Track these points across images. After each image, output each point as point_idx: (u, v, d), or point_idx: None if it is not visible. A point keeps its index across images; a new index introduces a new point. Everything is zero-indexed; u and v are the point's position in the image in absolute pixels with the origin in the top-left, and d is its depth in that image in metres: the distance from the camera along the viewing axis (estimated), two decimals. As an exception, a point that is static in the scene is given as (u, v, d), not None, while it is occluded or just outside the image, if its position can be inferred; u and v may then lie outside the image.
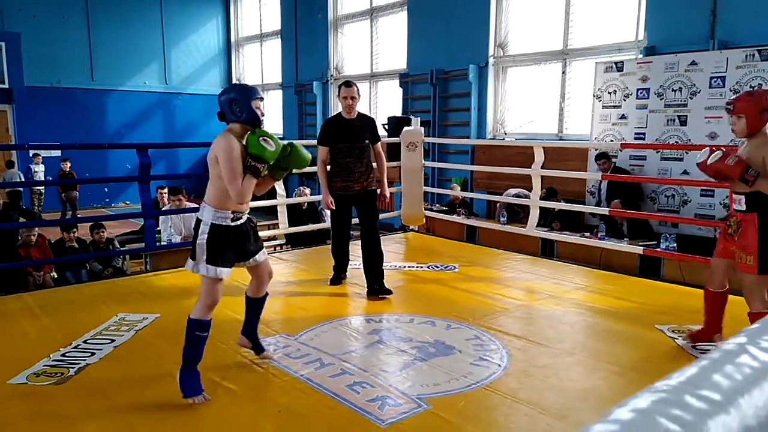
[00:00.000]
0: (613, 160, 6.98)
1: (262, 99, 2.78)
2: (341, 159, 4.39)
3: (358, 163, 4.40)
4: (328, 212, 8.58)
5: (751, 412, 0.64)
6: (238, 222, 2.76)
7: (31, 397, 2.82)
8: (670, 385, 0.65)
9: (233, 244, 2.74)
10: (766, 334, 0.82)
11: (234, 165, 2.62)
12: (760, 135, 2.99)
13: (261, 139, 2.66)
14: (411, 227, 7.20)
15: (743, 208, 3.04)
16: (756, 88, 3.50)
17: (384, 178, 4.66)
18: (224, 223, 2.70)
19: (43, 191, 11.17)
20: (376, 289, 4.45)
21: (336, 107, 12.10)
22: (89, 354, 3.30)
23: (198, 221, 2.74)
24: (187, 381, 2.73)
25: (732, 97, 3.10)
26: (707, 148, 3.18)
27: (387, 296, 4.40)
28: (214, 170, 2.69)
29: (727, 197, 5.28)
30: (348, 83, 4.41)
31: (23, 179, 10.66)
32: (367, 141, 4.43)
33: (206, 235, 2.66)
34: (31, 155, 10.98)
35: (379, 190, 4.69)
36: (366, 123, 4.50)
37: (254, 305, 3.15)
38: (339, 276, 4.75)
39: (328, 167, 4.50)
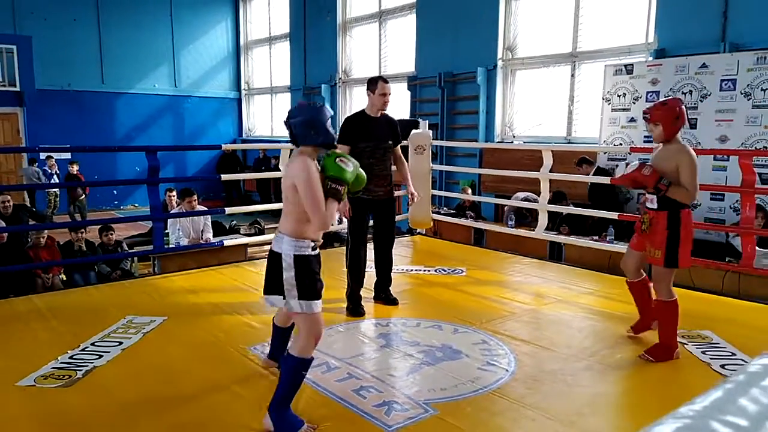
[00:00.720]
0: (623, 162, 6.94)
1: (332, 117, 2.69)
2: (364, 160, 3.93)
3: (381, 166, 4.16)
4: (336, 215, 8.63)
5: None
6: (316, 252, 2.59)
7: (38, 399, 2.83)
8: (694, 410, 0.63)
9: (318, 273, 2.57)
10: None
11: (316, 191, 2.46)
12: (674, 141, 3.31)
13: (338, 160, 2.59)
14: (418, 230, 7.19)
15: (655, 206, 3.30)
16: (668, 97, 3.82)
17: (409, 180, 4.42)
18: (306, 253, 2.52)
19: (58, 193, 11.25)
20: (382, 297, 4.40)
21: (345, 109, 12.12)
22: (97, 356, 3.31)
23: (275, 254, 2.55)
24: (286, 420, 2.53)
25: (647, 107, 3.40)
26: (637, 161, 3.41)
27: (392, 305, 4.34)
28: (293, 198, 2.51)
29: (737, 201, 5.25)
30: (385, 79, 4.17)
31: (41, 177, 10.78)
32: (390, 142, 4.23)
33: (293, 270, 2.49)
34: (44, 157, 11.08)
35: (398, 194, 4.61)
36: (389, 123, 4.27)
37: (284, 333, 3.03)
38: (358, 305, 4.23)
39: None
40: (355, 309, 4.18)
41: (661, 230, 3.25)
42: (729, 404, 0.65)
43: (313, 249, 2.55)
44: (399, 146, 4.39)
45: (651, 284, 3.57)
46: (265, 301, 2.64)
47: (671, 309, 3.31)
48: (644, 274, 3.62)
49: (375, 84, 4.12)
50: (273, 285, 2.55)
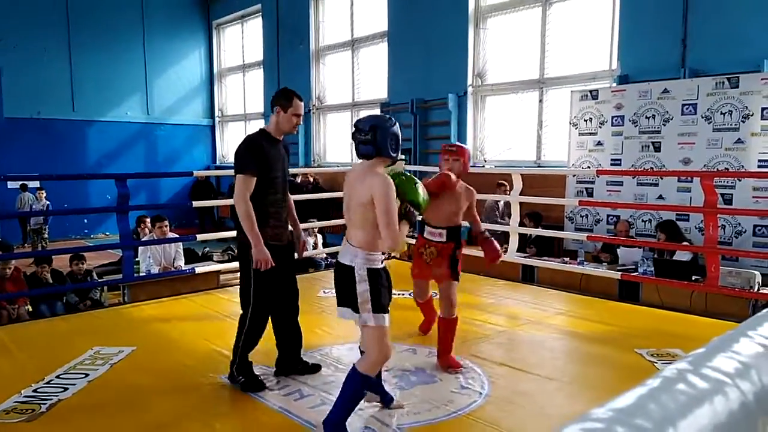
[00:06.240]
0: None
1: None
2: (273, 195, 3.23)
3: (285, 203, 3.36)
4: (311, 240, 8.56)
5: None
6: (384, 265, 2.57)
7: (-1, 435, 2.74)
8: (602, 414, 0.66)
9: (388, 288, 2.55)
10: (709, 360, 0.82)
11: (393, 209, 2.42)
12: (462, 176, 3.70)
13: (417, 185, 2.59)
14: (393, 255, 7.20)
15: (444, 239, 3.64)
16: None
17: (297, 222, 3.59)
18: (377, 266, 2.50)
19: (45, 227, 11.09)
20: (299, 367, 3.48)
21: (319, 136, 12.17)
22: (62, 389, 3.22)
23: (344, 267, 2.52)
24: None
25: (453, 144, 3.88)
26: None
27: (316, 371, 3.51)
28: (365, 211, 2.45)
29: (702, 222, 5.39)
30: (300, 96, 3.30)
31: (32, 205, 10.94)
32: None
33: (366, 283, 2.46)
34: (36, 193, 11.14)
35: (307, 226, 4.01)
36: (286, 148, 3.43)
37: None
38: (254, 375, 3.29)
39: None
40: (253, 381, 3.25)
41: (446, 257, 3.63)
42: (638, 408, 0.68)
43: (382, 262, 2.54)
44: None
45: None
46: (338, 313, 2.63)
47: (455, 325, 3.65)
48: (429, 294, 4.09)
49: (290, 100, 3.21)
50: (345, 298, 2.53)
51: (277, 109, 3.21)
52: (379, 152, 2.50)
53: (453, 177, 3.57)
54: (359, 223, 2.48)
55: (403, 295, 5.41)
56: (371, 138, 2.49)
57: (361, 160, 2.58)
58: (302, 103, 3.28)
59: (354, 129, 2.55)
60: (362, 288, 2.45)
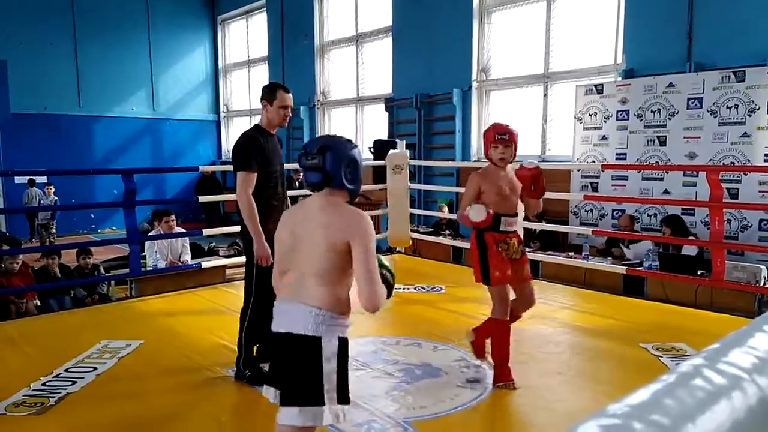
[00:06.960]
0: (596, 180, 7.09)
1: None
2: (273, 189, 3.27)
3: (285, 196, 3.37)
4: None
5: None
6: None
7: (9, 428, 2.78)
8: (618, 410, 0.66)
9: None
10: (725, 356, 0.82)
11: (375, 259, 1.82)
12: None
13: (386, 258, 2.16)
14: (398, 249, 7.22)
15: (515, 229, 3.23)
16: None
17: None
18: (348, 336, 1.85)
19: (53, 222, 11.24)
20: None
21: (324, 131, 12.16)
22: (70, 383, 3.26)
23: (301, 340, 1.78)
24: None
25: (504, 130, 3.28)
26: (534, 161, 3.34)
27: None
28: (336, 258, 1.80)
29: (707, 216, 5.37)
30: (286, 88, 3.29)
31: (40, 200, 11.14)
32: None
33: (335, 360, 1.77)
34: (44, 188, 11.33)
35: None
36: (280, 141, 3.47)
37: None
38: (259, 368, 3.26)
39: None
40: (259, 374, 3.19)
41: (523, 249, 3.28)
42: (654, 404, 0.67)
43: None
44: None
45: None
46: (280, 418, 1.82)
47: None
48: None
49: (274, 93, 3.24)
50: (300, 389, 1.77)
51: (264, 104, 3.28)
52: (327, 181, 1.85)
53: (484, 215, 3.04)
54: (321, 275, 1.81)
55: (408, 289, 5.44)
56: (319, 163, 1.85)
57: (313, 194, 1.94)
58: (289, 95, 3.28)
59: (302, 151, 1.94)
60: (330, 367, 1.76)
